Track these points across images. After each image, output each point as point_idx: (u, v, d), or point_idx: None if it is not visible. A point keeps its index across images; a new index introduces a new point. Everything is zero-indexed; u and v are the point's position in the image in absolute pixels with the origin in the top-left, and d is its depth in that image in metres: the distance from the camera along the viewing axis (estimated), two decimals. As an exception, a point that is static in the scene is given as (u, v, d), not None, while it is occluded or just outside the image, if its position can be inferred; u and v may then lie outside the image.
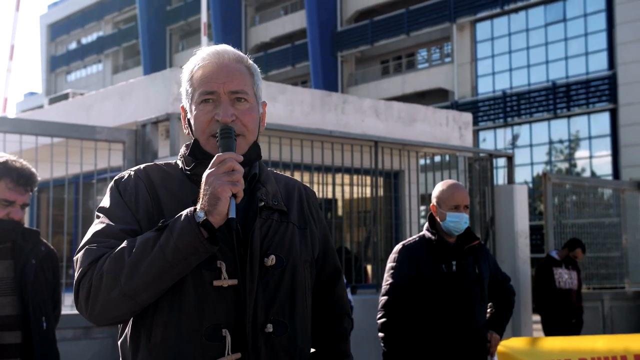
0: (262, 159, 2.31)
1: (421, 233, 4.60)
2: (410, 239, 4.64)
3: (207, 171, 1.96)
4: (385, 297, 4.41)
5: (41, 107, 14.88)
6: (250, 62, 2.26)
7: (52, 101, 13.23)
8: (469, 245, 4.50)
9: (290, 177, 2.43)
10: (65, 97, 12.73)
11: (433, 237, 4.49)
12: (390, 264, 4.50)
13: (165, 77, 7.82)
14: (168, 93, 7.59)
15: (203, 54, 2.21)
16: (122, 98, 8.42)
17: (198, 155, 2.16)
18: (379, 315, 4.42)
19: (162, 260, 1.92)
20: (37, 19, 75.77)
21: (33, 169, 3.69)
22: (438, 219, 4.53)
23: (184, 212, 1.95)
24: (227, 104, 2.13)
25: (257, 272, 2.08)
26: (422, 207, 10.90)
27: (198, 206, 1.94)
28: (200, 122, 2.15)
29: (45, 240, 3.87)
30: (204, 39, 14.19)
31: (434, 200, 4.57)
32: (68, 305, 5.38)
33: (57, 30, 61.68)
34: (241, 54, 2.25)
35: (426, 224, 4.61)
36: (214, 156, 2.03)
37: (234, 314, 2.04)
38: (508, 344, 4.65)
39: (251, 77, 2.22)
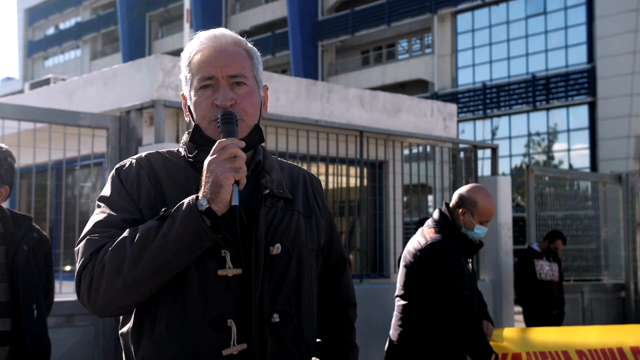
0: None
1: (438, 234, 4.36)
2: (437, 237, 4.35)
3: (209, 158, 1.92)
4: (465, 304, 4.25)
5: (21, 92, 14.72)
6: (249, 45, 2.21)
7: (33, 86, 13.08)
8: (475, 243, 4.49)
9: (294, 165, 2.40)
10: (47, 82, 12.58)
11: (465, 236, 4.40)
12: (447, 266, 4.24)
13: (150, 64, 7.74)
14: (153, 80, 7.51)
15: (200, 39, 2.16)
16: (105, 84, 8.33)
17: (200, 142, 2.11)
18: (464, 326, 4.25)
19: (164, 250, 1.88)
20: (14, 3, 74.91)
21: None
22: (463, 225, 4.41)
23: (186, 200, 1.91)
24: (226, 88, 2.09)
25: (262, 261, 2.05)
26: (405, 198, 10.90)
27: (200, 194, 1.90)
28: (200, 108, 2.11)
29: (37, 227, 3.80)
30: (186, 25, 14.09)
31: (465, 206, 4.40)
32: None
33: (34, 15, 61.05)
34: (239, 37, 2.21)
35: (438, 218, 4.45)
36: (215, 141, 1.99)
37: (239, 304, 2.01)
38: (501, 335, 4.64)
39: (250, 60, 2.18)
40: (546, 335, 4.81)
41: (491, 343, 4.47)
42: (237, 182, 1.90)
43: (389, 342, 4.43)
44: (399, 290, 4.45)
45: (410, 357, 4.32)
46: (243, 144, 1.96)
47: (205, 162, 1.92)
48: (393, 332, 4.42)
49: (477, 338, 4.25)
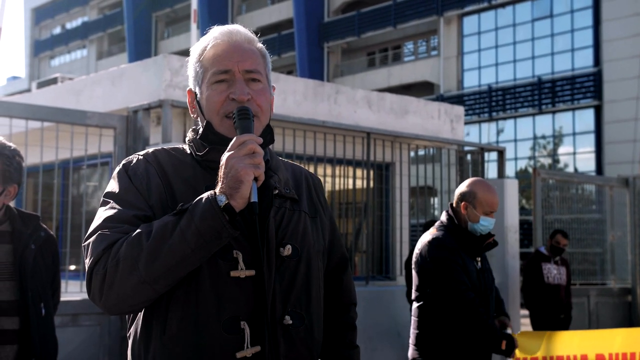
0: None
1: (439, 231, 4.39)
2: (437, 234, 4.37)
3: (227, 153, 1.89)
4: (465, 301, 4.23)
5: (28, 91, 14.72)
6: (260, 44, 2.20)
7: (41, 85, 13.08)
8: (487, 242, 4.46)
9: (296, 165, 2.37)
10: (54, 81, 12.58)
11: (472, 235, 4.39)
12: (444, 260, 4.24)
13: (158, 64, 7.73)
14: (160, 79, 7.51)
15: (215, 33, 2.14)
16: (113, 83, 8.32)
17: (211, 138, 2.07)
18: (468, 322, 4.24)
19: (183, 245, 1.84)
20: (21, 3, 75.10)
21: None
22: (467, 219, 4.39)
23: (205, 196, 1.88)
24: (242, 82, 2.07)
25: (274, 262, 2.03)
26: (411, 200, 10.88)
27: (217, 189, 1.87)
28: (213, 102, 2.07)
29: (44, 226, 3.79)
30: (193, 26, 14.09)
31: (465, 199, 4.39)
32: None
33: (41, 14, 61.15)
34: (252, 35, 2.19)
35: (445, 219, 4.46)
36: (228, 139, 1.96)
37: (251, 305, 1.98)
38: (523, 338, 4.61)
39: (262, 58, 2.17)
40: (570, 339, 4.76)
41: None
42: (255, 179, 1.88)
43: (410, 346, 4.43)
44: (413, 293, 4.47)
45: (430, 357, 4.31)
46: (261, 140, 1.93)
47: (224, 158, 1.89)
48: (412, 337, 4.42)
49: (482, 328, 4.25)
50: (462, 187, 4.51)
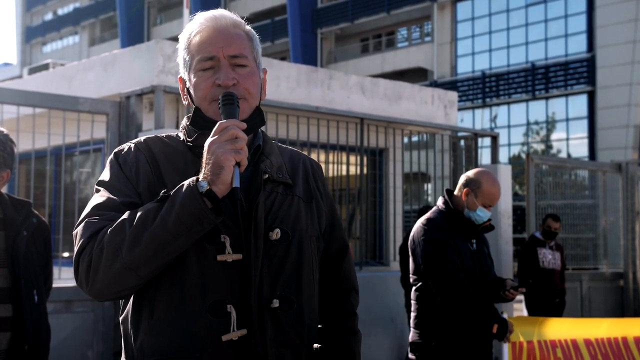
0: None
1: (433, 214, 4.48)
2: (431, 216, 4.47)
3: (209, 139, 1.90)
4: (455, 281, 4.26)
5: (20, 77, 14.67)
6: (248, 27, 2.20)
7: (32, 71, 13.03)
8: (484, 225, 4.50)
9: (295, 150, 2.37)
10: (46, 67, 12.53)
11: (467, 219, 4.44)
12: (433, 240, 4.32)
13: (150, 49, 7.68)
14: (153, 65, 7.47)
15: (200, 20, 2.14)
16: (105, 69, 8.28)
17: (200, 124, 2.09)
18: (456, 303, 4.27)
19: (164, 232, 1.85)
20: (12, -11, 74.66)
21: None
22: (465, 205, 4.46)
23: (186, 182, 1.88)
24: (228, 68, 2.08)
25: (261, 246, 2.03)
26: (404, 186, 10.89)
27: (200, 176, 1.88)
28: (200, 89, 2.09)
29: (36, 212, 3.78)
30: (185, 12, 14.00)
31: (470, 186, 4.46)
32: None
33: (33, 0, 60.84)
34: (238, 18, 2.19)
35: (441, 203, 4.53)
36: (217, 122, 1.96)
37: (238, 289, 1.99)
38: (517, 323, 4.69)
39: (250, 41, 2.17)
40: (560, 325, 4.91)
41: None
42: (238, 164, 1.88)
43: (411, 329, 4.48)
44: (411, 278, 4.51)
45: (430, 339, 4.34)
46: (244, 125, 1.93)
47: (206, 144, 1.90)
48: (412, 321, 4.48)
49: (472, 308, 4.27)
50: (470, 173, 4.60)
